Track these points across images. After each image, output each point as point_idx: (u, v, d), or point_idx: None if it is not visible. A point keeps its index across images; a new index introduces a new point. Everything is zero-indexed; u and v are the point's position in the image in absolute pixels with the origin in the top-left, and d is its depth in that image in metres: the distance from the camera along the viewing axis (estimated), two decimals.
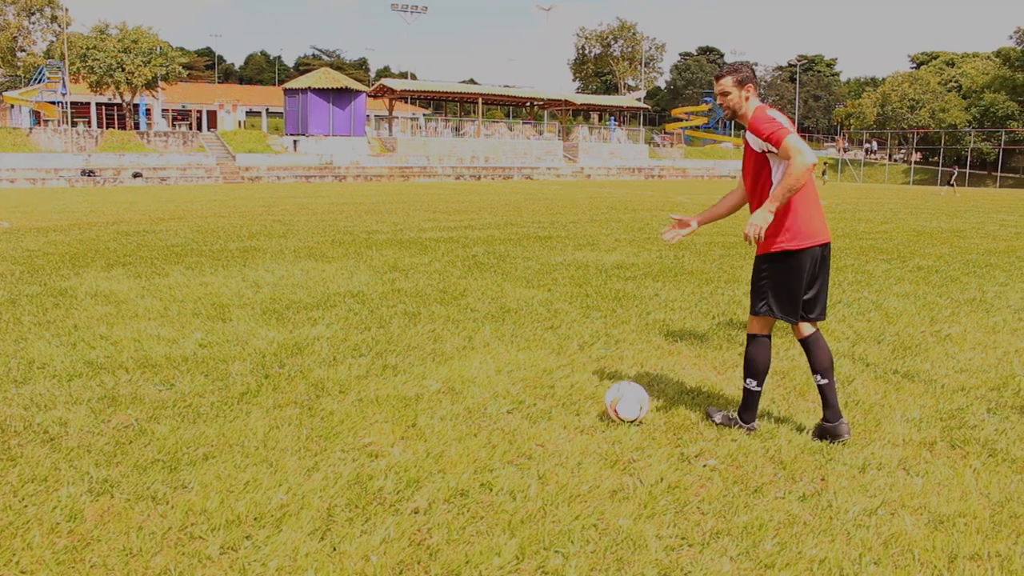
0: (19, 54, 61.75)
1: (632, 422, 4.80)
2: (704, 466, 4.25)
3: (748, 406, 4.75)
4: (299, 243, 14.09)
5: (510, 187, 45.92)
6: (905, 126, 77.41)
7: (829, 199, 35.04)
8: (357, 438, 4.58)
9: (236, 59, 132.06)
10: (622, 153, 70.06)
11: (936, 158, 75.74)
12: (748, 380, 4.71)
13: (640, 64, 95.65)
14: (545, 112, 77.35)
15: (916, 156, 78.64)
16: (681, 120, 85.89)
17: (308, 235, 15.57)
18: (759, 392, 4.72)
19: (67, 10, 61.88)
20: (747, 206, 4.88)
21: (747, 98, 4.53)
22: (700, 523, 3.61)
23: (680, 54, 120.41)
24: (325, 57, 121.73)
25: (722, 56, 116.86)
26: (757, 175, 4.58)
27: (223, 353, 6.39)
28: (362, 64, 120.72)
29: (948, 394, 5.54)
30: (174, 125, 68.60)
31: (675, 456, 4.37)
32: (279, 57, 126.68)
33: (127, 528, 3.48)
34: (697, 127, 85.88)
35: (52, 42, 64.33)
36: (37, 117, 58.85)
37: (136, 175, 48.49)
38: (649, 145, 75.09)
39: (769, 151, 4.42)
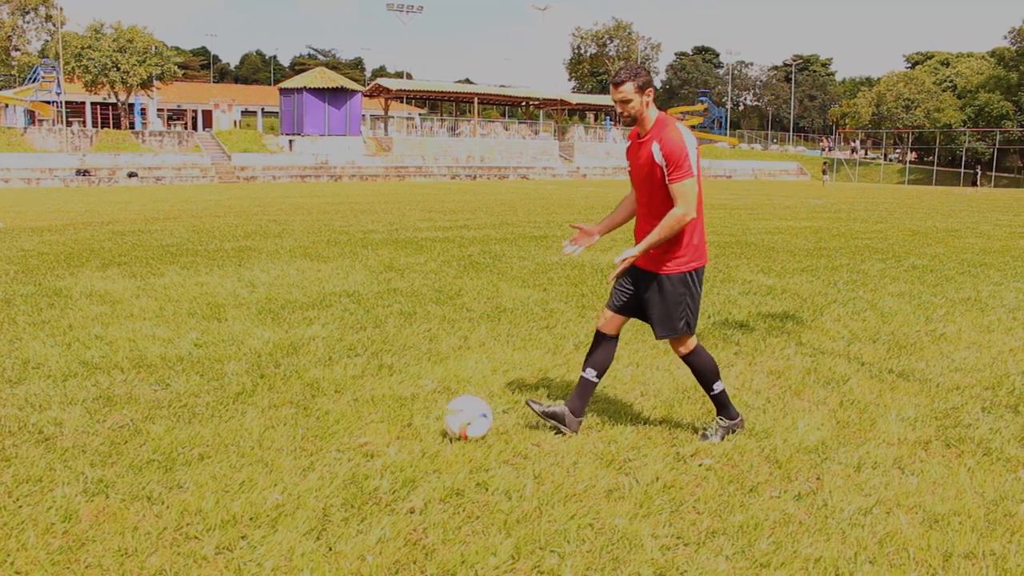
0: (13, 53, 61.59)
1: (485, 437, 4.56)
2: (700, 465, 4.25)
3: (724, 404, 4.69)
4: (295, 243, 14.07)
5: (506, 187, 45.92)
6: (900, 126, 77.57)
7: (825, 198, 35.09)
8: (353, 438, 4.58)
9: (232, 59, 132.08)
10: (618, 153, 70.05)
11: (931, 158, 75.88)
12: (715, 385, 4.63)
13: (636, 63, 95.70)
14: (541, 112, 77.40)
15: (911, 156, 78.77)
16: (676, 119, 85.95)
17: (304, 235, 15.56)
18: (724, 388, 4.68)
19: (62, 9, 61.86)
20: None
21: (647, 104, 4.38)
22: (696, 522, 3.62)
23: (676, 54, 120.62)
24: (321, 57, 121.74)
25: (717, 55, 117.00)
26: (653, 187, 4.40)
27: (218, 353, 6.38)
28: (358, 64, 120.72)
29: (943, 393, 5.55)
30: (169, 125, 68.55)
31: (671, 456, 4.38)
32: (275, 57, 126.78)
33: (122, 528, 3.47)
34: (692, 127, 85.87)
35: (47, 41, 64.22)
36: (32, 117, 58.73)
37: (131, 175, 48.42)
38: None
39: (665, 172, 4.31)
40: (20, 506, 3.67)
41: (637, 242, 4.47)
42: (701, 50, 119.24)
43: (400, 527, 3.52)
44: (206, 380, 5.65)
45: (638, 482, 4.02)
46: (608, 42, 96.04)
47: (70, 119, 60.00)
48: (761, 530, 3.54)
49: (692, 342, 4.60)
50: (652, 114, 4.40)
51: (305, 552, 3.30)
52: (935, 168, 72.52)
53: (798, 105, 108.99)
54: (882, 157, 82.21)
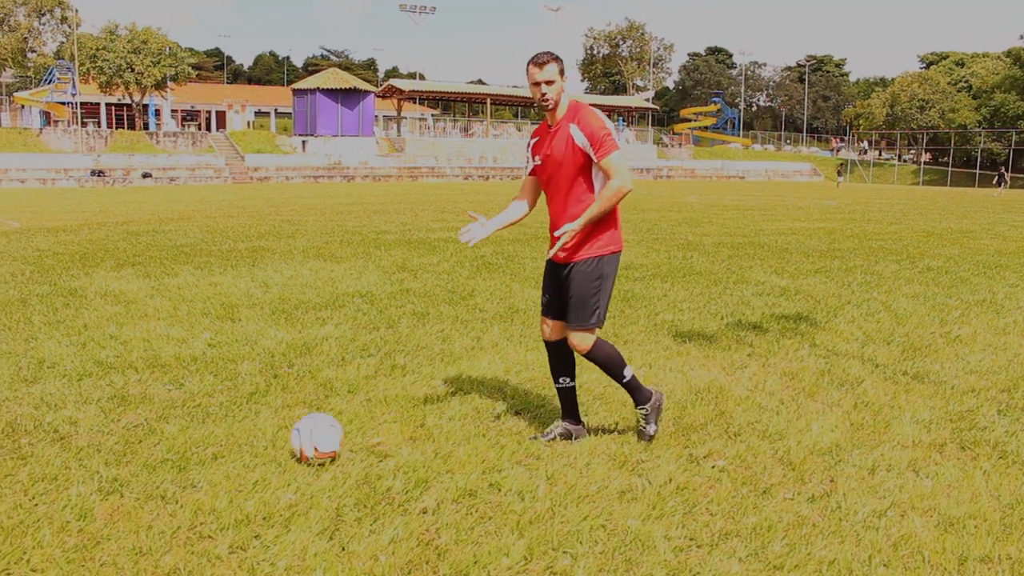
0: (29, 55, 62.02)
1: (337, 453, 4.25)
2: (713, 467, 4.24)
3: (638, 388, 4.56)
4: (308, 243, 14.11)
5: (519, 187, 45.90)
6: (915, 126, 77.14)
7: (839, 199, 34.95)
8: (366, 438, 4.59)
9: (245, 60, 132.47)
10: (630, 153, 69.95)
11: (946, 158, 75.43)
12: (624, 372, 4.51)
13: (648, 64, 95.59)
14: None
15: (926, 156, 78.32)
16: (690, 120, 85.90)
17: (317, 235, 15.60)
18: (633, 372, 4.56)
19: (77, 11, 62.16)
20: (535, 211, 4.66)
21: (562, 90, 4.29)
22: (709, 524, 3.61)
23: (689, 54, 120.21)
24: (334, 58, 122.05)
25: (730, 56, 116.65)
26: (575, 175, 4.30)
27: (232, 353, 6.40)
28: (370, 64, 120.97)
29: (958, 395, 5.52)
30: (183, 125, 68.88)
31: (684, 457, 4.36)
32: (288, 58, 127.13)
33: (137, 527, 3.49)
34: (706, 127, 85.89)
35: (62, 43, 64.63)
36: (47, 118, 59.11)
37: (145, 175, 48.67)
38: (657, 145, 75.06)
39: (591, 155, 4.22)
40: (36, 504, 3.70)
41: (552, 244, 4.37)
42: (714, 51, 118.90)
43: (413, 527, 3.52)
44: (220, 380, 5.67)
45: (651, 483, 4.01)
46: (621, 43, 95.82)
47: (85, 120, 60.34)
48: (775, 532, 3.53)
49: (595, 337, 4.43)
50: (565, 101, 4.31)
51: (318, 552, 3.31)
52: (950, 169, 72.07)
53: (811, 106, 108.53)
54: (896, 158, 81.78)
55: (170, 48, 62.94)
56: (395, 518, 3.61)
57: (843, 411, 5.16)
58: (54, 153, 50.19)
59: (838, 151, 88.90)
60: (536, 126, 4.42)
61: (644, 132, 76.66)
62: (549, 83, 4.23)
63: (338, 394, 5.38)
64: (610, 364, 4.50)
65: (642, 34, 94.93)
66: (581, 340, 4.41)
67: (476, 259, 12.07)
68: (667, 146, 77.85)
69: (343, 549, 3.35)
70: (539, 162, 4.41)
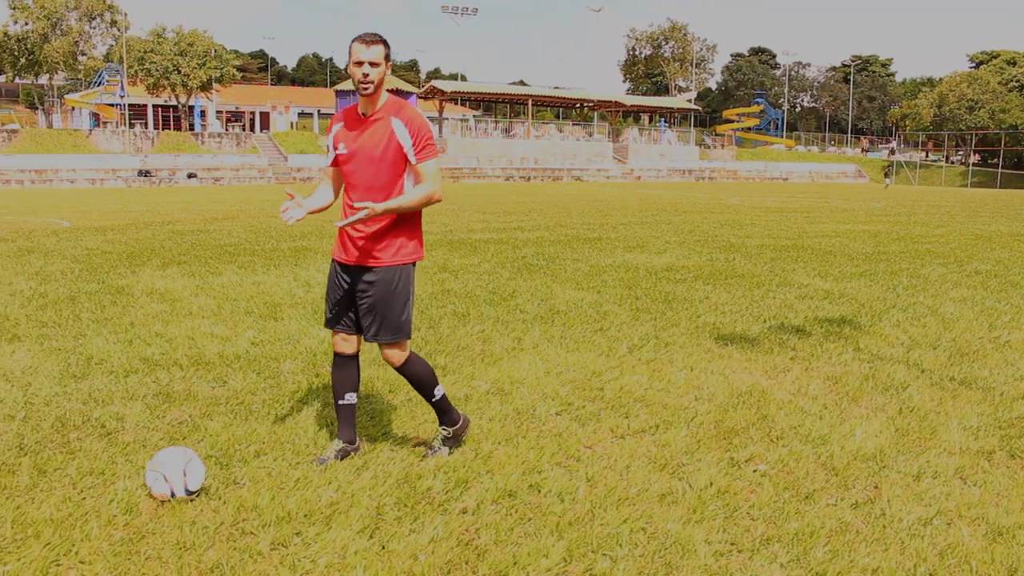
0: (80, 58, 63.21)
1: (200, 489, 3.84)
2: (754, 471, 4.20)
3: (446, 411, 4.37)
4: None
5: (560, 188, 45.89)
6: (963, 127, 75.71)
7: (884, 201, 34.44)
8: (406, 437, 4.61)
9: (289, 61, 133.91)
10: (672, 155, 69.64)
11: (995, 160, 73.94)
12: (435, 391, 4.31)
13: (691, 65, 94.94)
14: (595, 113, 77.21)
15: (974, 158, 76.84)
16: (732, 121, 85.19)
17: None
18: (444, 392, 4.38)
19: (126, 14, 63.26)
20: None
21: (385, 76, 3.98)
22: (750, 529, 3.57)
23: (731, 55, 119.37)
24: None
25: (774, 56, 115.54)
26: (383, 169, 4.02)
27: (275, 351, 6.47)
28: (412, 66, 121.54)
29: (1007, 402, 5.40)
30: (228, 126, 69.74)
31: (725, 461, 4.33)
32: (331, 59, 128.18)
33: (180, 522, 3.54)
34: (748, 128, 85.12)
35: (111, 46, 65.86)
36: (96, 119, 60.26)
37: (191, 175, 49.41)
38: (700, 147, 74.57)
39: (410, 156, 4.02)
40: (84, 498, 3.77)
41: (354, 242, 4.11)
42: (757, 51, 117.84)
43: (453, 527, 3.53)
44: (262, 378, 5.74)
45: (691, 487, 3.98)
46: (663, 43, 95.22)
47: (133, 121, 61.39)
48: (817, 538, 3.48)
49: (407, 348, 4.23)
50: (385, 92, 4.05)
51: (358, 550, 3.33)
52: (1000, 171, 70.58)
53: (856, 106, 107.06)
54: (944, 159, 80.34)
55: (216, 50, 63.80)
56: (435, 518, 3.62)
57: (888, 416, 5.08)
58: (103, 154, 51.18)
59: (865, 151, 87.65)
60: (343, 110, 4.15)
61: (686, 133, 76.19)
62: (374, 64, 3.89)
63: (379, 393, 5.42)
64: (423, 379, 4.28)
65: (684, 35, 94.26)
66: (397, 355, 4.19)
67: (517, 260, 12.08)
68: (709, 147, 77.29)
69: (383, 548, 3.37)
70: (344, 151, 4.09)
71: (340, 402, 4.35)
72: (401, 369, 4.24)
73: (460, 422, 4.43)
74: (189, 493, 3.74)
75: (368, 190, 4.05)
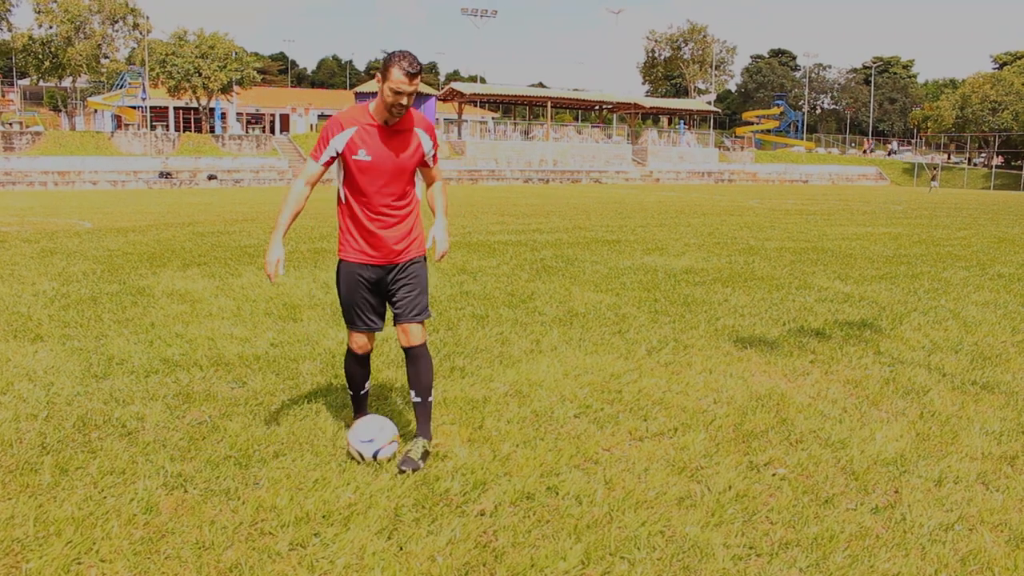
0: (103, 61, 63.78)
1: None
2: (773, 475, 4.17)
3: (430, 418, 4.49)
4: None
5: (579, 191, 45.84)
6: (986, 129, 74.99)
7: (905, 203, 34.19)
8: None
9: (308, 63, 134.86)
10: (691, 157, 69.39)
11: (1019, 162, 73.17)
12: (433, 390, 4.54)
13: (710, 67, 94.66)
14: (614, 115, 77.12)
15: (997, 160, 76.07)
16: (752, 124, 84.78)
17: None
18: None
19: (148, 18, 63.82)
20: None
21: None
22: (769, 533, 3.55)
23: (751, 57, 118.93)
24: None
25: (794, 58, 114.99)
26: (408, 175, 4.29)
27: (294, 352, 6.50)
28: (432, 68, 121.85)
29: None
30: (248, 128, 70.25)
31: (743, 464, 4.31)
32: (350, 61, 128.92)
33: (200, 522, 3.56)
34: (768, 131, 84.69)
35: (133, 49, 66.41)
36: (118, 121, 60.75)
37: (211, 177, 49.72)
38: (719, 149, 74.23)
39: (429, 160, 4.38)
40: (105, 497, 3.80)
41: (384, 244, 4.32)
42: (777, 52, 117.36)
43: (470, 529, 3.53)
44: (282, 379, 5.76)
45: (710, 490, 3.97)
46: (683, 45, 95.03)
47: (154, 123, 61.90)
48: (836, 543, 3.46)
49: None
50: None
51: (376, 551, 3.34)
52: (1023, 173, 69.88)
53: (878, 108, 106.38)
54: (966, 161, 79.61)
55: (236, 53, 64.26)
56: (453, 519, 3.62)
57: (908, 420, 5.04)
58: (124, 156, 51.60)
59: (871, 151, 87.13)
60: (348, 115, 4.24)
61: (706, 135, 75.86)
62: (413, 95, 4.06)
63: (398, 395, 5.43)
64: (431, 368, 4.48)
65: (704, 36, 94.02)
66: (424, 331, 4.46)
67: (535, 262, 12.08)
68: (729, 149, 76.95)
69: (401, 549, 3.37)
70: (367, 158, 4.17)
71: (361, 392, 4.71)
72: (425, 346, 4.43)
73: (431, 439, 4.48)
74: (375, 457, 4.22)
75: (386, 195, 4.25)
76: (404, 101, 4.04)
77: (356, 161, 4.18)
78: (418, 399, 4.44)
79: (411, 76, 3.98)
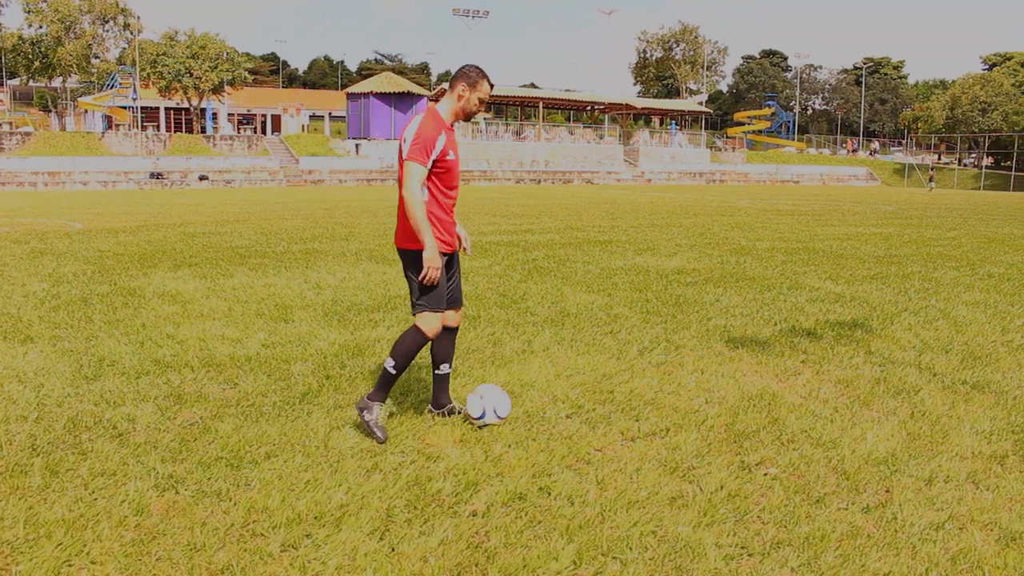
0: (93, 61, 63.55)
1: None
2: (765, 475, 4.19)
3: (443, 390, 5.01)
4: (361, 246, 14.25)
5: (570, 191, 45.88)
6: (976, 130, 75.30)
7: (895, 204, 34.32)
8: (416, 440, 4.62)
9: (300, 64, 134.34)
10: (683, 157, 69.50)
11: (1008, 162, 73.46)
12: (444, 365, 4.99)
13: (702, 68, 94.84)
14: (606, 116, 77.18)
15: (987, 160, 76.36)
16: (743, 124, 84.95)
17: (370, 238, 15.74)
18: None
19: (139, 18, 63.60)
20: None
21: None
22: (760, 532, 3.56)
23: (743, 57, 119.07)
24: (387, 61, 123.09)
25: (785, 59, 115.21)
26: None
27: (285, 353, 6.48)
28: (424, 68, 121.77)
29: (1020, 406, 5.37)
30: (239, 129, 70.07)
31: (735, 464, 4.32)
32: (342, 62, 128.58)
33: (191, 523, 3.55)
34: (760, 131, 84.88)
35: (124, 49, 66.13)
36: (109, 122, 60.55)
37: (202, 178, 49.56)
38: (711, 149, 74.39)
39: None
40: (95, 498, 3.78)
41: (453, 233, 4.80)
42: (769, 53, 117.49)
43: (462, 530, 3.53)
44: (273, 380, 5.75)
45: (702, 490, 3.97)
46: (674, 46, 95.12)
47: (145, 124, 61.70)
48: (828, 542, 3.47)
49: None
50: None
51: (368, 552, 3.34)
52: (1013, 173, 70.14)
53: (868, 109, 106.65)
54: (956, 162, 79.92)
55: (227, 53, 64.05)
56: (445, 520, 3.62)
57: (899, 420, 5.06)
58: (115, 156, 51.37)
59: (853, 151, 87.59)
60: (435, 117, 4.67)
61: (697, 136, 75.98)
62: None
63: (391, 396, 5.41)
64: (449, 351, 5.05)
65: (695, 37, 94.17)
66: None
67: (527, 263, 12.08)
68: (720, 150, 77.11)
69: (393, 550, 3.37)
70: (454, 158, 4.66)
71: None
72: (455, 330, 5.02)
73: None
74: (499, 418, 4.79)
75: (455, 189, 4.77)
76: (482, 109, 4.74)
77: (446, 161, 4.61)
78: (449, 369, 5.02)
79: (492, 87, 4.74)
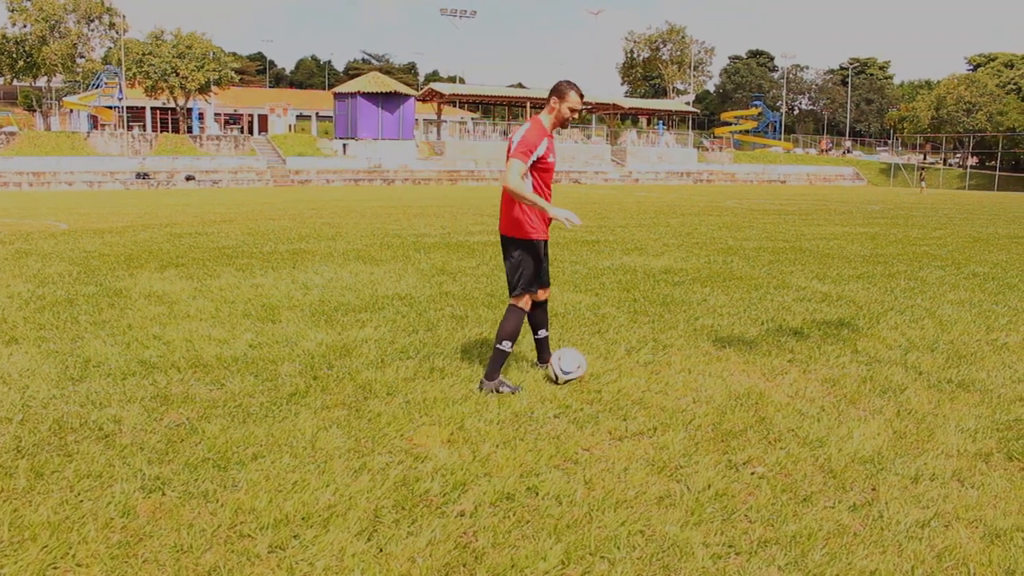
0: (78, 60, 63.12)
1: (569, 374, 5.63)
2: (752, 474, 4.20)
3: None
4: (348, 246, 14.22)
5: (558, 191, 45.88)
6: (961, 130, 75.73)
7: (881, 204, 34.48)
8: (404, 440, 4.61)
9: (287, 64, 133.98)
10: (670, 157, 69.64)
11: (993, 162, 73.93)
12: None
13: (689, 68, 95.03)
14: (593, 116, 77.32)
15: (972, 160, 76.82)
16: (730, 124, 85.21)
17: (357, 238, 15.71)
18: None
19: (124, 17, 63.15)
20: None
21: None
22: (748, 531, 3.57)
23: (729, 57, 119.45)
24: (374, 61, 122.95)
25: (772, 59, 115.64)
26: None
27: (272, 354, 6.46)
28: (411, 68, 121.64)
29: (1005, 404, 5.41)
30: (226, 129, 69.73)
31: (723, 463, 4.33)
32: (329, 62, 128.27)
33: (178, 525, 3.53)
34: (746, 131, 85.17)
35: (110, 48, 65.76)
36: (95, 121, 60.19)
37: (189, 178, 49.37)
38: (698, 149, 74.57)
39: None
40: (81, 500, 3.76)
41: (547, 219, 5.56)
42: (755, 53, 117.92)
43: (450, 530, 3.53)
44: (260, 381, 5.73)
45: (689, 489, 3.98)
46: (661, 46, 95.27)
47: (131, 124, 61.36)
48: (815, 540, 3.49)
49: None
50: None
51: (356, 553, 3.33)
52: (997, 173, 70.60)
53: (854, 109, 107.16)
54: (941, 162, 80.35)
55: (214, 53, 63.77)
56: (433, 520, 3.62)
57: (885, 419, 5.09)
58: (101, 156, 51.11)
59: (827, 151, 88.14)
60: (540, 126, 5.47)
61: (684, 136, 76.18)
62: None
63: (377, 396, 5.41)
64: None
65: (683, 37, 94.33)
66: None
67: None
68: (707, 150, 77.31)
69: (381, 550, 3.37)
70: (553, 160, 5.51)
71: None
72: (544, 305, 5.88)
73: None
74: (564, 373, 5.65)
75: (551, 186, 5.56)
76: (575, 116, 5.49)
77: (547, 162, 5.45)
78: (546, 333, 6.03)
79: (582, 97, 5.48)
